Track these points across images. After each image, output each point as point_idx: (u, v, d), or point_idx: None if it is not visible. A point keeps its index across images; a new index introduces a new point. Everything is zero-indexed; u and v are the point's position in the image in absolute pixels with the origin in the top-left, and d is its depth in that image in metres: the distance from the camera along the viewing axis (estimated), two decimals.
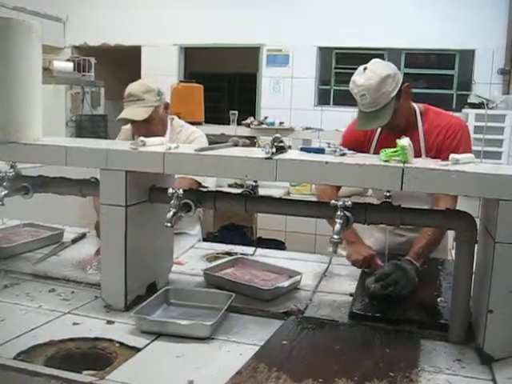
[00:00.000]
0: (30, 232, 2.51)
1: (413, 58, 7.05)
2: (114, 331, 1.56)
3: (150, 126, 2.47)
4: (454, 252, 1.63)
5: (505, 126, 5.86)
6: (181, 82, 6.12)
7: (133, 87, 2.52)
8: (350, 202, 1.55)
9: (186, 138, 2.64)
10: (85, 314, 1.69)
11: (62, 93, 6.45)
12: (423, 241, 2.00)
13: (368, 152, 2.20)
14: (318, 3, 6.93)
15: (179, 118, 2.82)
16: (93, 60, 7.13)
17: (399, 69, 2.15)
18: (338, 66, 7.30)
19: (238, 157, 1.63)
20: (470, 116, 5.87)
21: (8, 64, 1.78)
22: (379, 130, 2.24)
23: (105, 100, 7.15)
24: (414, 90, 2.19)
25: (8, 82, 1.80)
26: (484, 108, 5.89)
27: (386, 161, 1.54)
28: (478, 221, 1.60)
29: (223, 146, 1.77)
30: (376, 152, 2.03)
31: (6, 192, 1.84)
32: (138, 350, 1.45)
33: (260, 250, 2.50)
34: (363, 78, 2.03)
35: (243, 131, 5.31)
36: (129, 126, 2.62)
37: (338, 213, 1.54)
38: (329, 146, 1.67)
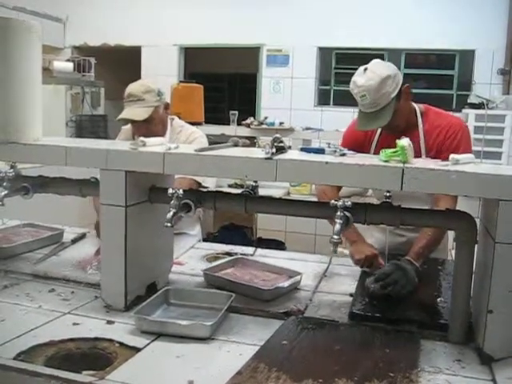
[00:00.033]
0: (30, 232, 2.50)
1: (413, 59, 7.05)
2: (113, 331, 1.56)
3: (150, 126, 2.47)
4: (453, 252, 1.63)
5: (505, 126, 5.86)
6: (181, 82, 6.12)
7: (133, 87, 2.52)
8: (349, 203, 1.55)
9: (186, 139, 2.64)
10: (85, 314, 1.69)
11: (61, 93, 6.45)
12: (423, 241, 2.00)
13: (368, 152, 2.20)
14: (318, 3, 6.93)
15: (179, 118, 2.82)
16: (93, 60, 7.14)
17: (399, 69, 2.15)
18: (337, 66, 7.31)
19: (238, 157, 1.63)
20: (469, 116, 5.87)
21: (8, 64, 1.78)
22: (379, 130, 2.24)
23: (105, 100, 7.16)
24: (414, 91, 2.19)
25: (8, 82, 1.80)
26: (484, 108, 5.89)
27: (385, 161, 1.54)
28: (477, 221, 1.60)
29: (223, 147, 1.77)
30: (376, 152, 2.03)
31: (5, 192, 1.84)
32: (137, 350, 1.45)
33: (260, 251, 2.50)
34: (363, 78, 2.04)
35: (243, 131, 5.31)
36: (129, 126, 2.62)
37: (338, 213, 1.54)
38: (329, 147, 1.67)
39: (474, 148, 2.31)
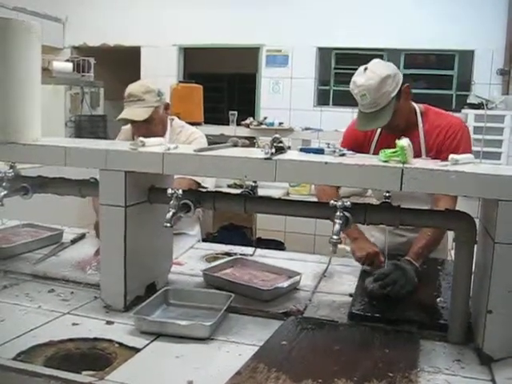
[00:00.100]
0: (30, 232, 2.50)
1: (412, 59, 7.05)
2: (113, 331, 1.56)
3: (150, 127, 2.47)
4: (453, 252, 1.63)
5: (504, 126, 5.86)
6: (180, 82, 6.12)
7: (133, 87, 2.52)
8: (349, 203, 1.55)
9: (186, 139, 2.65)
10: (84, 314, 1.69)
11: (61, 93, 6.45)
12: (423, 241, 2.01)
13: (368, 152, 2.20)
14: (318, 3, 6.93)
15: (179, 118, 2.82)
16: (92, 60, 7.13)
17: (399, 69, 2.15)
18: (337, 67, 7.31)
19: (238, 157, 1.63)
20: (469, 116, 5.87)
21: (7, 64, 1.78)
22: (379, 130, 2.24)
23: (104, 100, 7.15)
24: (414, 91, 2.19)
25: (7, 82, 1.80)
26: (483, 108, 5.89)
27: (385, 161, 1.54)
28: (477, 221, 1.60)
29: (223, 147, 1.77)
30: (376, 152, 2.03)
31: (5, 192, 1.84)
32: (137, 350, 1.45)
33: (259, 251, 2.50)
34: (363, 78, 2.04)
35: (243, 131, 5.31)
36: (129, 126, 2.62)
37: (338, 213, 1.54)
38: (328, 147, 1.67)
39: (473, 148, 2.31)
